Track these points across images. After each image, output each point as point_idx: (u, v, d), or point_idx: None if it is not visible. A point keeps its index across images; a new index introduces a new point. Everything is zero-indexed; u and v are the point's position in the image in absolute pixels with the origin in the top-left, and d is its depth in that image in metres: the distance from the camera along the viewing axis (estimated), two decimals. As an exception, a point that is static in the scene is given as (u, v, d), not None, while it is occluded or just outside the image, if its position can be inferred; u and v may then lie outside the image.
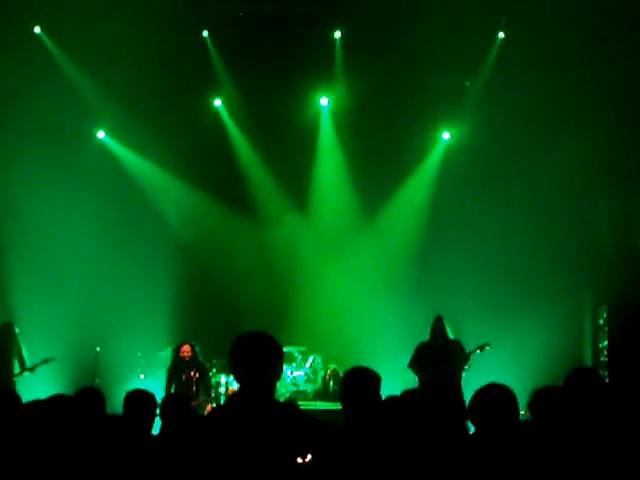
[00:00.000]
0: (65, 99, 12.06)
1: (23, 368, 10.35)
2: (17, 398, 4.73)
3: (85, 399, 4.83)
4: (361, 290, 12.77)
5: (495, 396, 3.74)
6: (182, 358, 10.17)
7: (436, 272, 12.50)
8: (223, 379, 11.86)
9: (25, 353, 10.44)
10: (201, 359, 10.33)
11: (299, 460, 3.47)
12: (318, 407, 11.40)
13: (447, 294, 11.73)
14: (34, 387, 9.60)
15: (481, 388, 3.81)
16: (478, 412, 3.71)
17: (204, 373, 10.24)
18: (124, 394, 4.90)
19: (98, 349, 11.10)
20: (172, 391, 9.95)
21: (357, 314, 12.54)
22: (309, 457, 3.59)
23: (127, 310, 12.07)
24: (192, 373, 10.02)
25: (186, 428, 4.46)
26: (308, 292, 12.94)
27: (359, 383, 4.02)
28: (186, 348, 10.20)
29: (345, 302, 12.73)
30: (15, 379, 10.27)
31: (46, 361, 10.37)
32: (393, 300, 12.35)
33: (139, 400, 4.85)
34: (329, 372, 12.32)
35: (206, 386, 10.28)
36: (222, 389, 11.77)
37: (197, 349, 10.30)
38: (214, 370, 11.91)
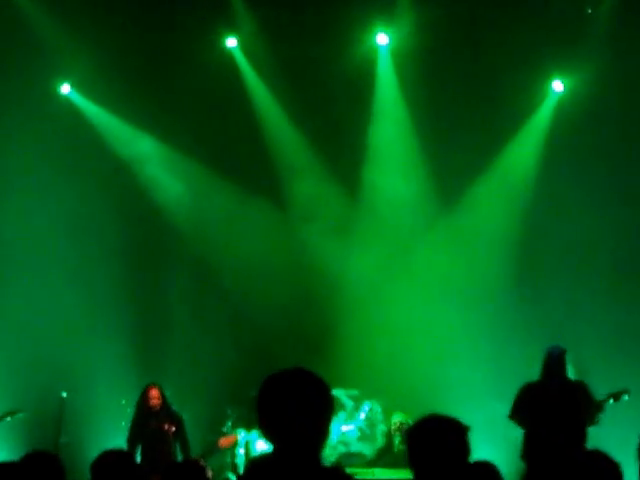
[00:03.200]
0: (21, 44, 12.46)
1: None
2: None
3: (34, 469, 4.78)
4: (435, 310, 12.64)
5: None
6: (149, 407, 10.21)
7: (544, 284, 12.59)
8: (242, 436, 11.90)
9: None
10: (174, 406, 10.47)
11: None
12: (378, 477, 11.38)
13: (562, 315, 11.86)
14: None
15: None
16: None
17: (181, 424, 10.31)
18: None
19: (64, 394, 11.15)
20: (138, 455, 10.06)
21: (430, 343, 12.51)
22: None
23: (106, 341, 12.29)
24: (166, 426, 10.09)
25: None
26: (360, 313, 12.81)
27: (437, 440, 4.01)
28: (154, 393, 10.23)
29: (412, 327, 12.61)
30: None
31: (12, 413, 10.64)
32: (481, 324, 12.34)
33: (113, 468, 4.79)
34: (394, 425, 12.18)
35: (184, 443, 10.31)
36: (241, 450, 11.81)
37: (166, 393, 10.44)
38: (229, 424, 12.12)
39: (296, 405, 3.36)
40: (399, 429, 12.18)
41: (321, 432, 3.40)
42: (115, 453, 4.93)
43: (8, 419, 10.54)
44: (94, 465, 4.81)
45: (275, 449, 3.38)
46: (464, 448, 4.02)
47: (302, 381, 3.42)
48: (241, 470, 11.94)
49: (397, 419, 12.27)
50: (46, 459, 4.94)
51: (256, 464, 3.51)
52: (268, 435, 3.38)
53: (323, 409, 3.41)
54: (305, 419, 3.36)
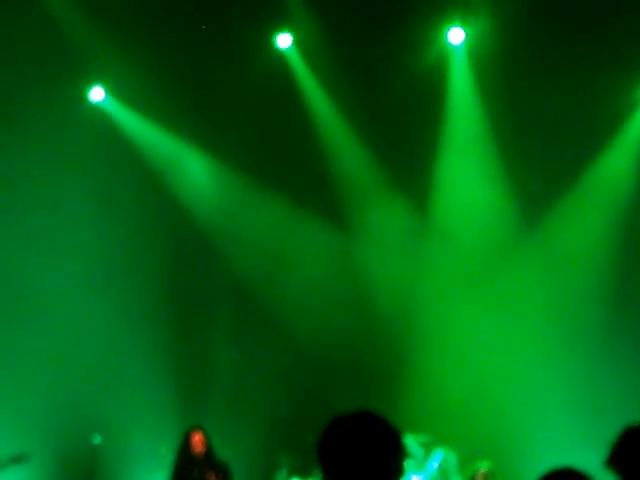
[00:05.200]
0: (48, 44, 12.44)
1: None
2: None
3: None
4: (518, 343, 12.66)
5: None
6: (192, 455, 10.23)
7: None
8: None
9: None
10: (219, 455, 10.48)
11: None
12: None
13: None
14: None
15: None
16: None
17: (228, 475, 10.31)
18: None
19: (97, 441, 11.17)
20: None
21: (513, 381, 12.45)
22: None
23: (145, 382, 12.37)
24: (211, 477, 10.17)
25: None
26: (431, 348, 12.90)
27: None
28: (198, 439, 10.35)
29: (493, 363, 12.63)
30: None
31: (17, 460, 10.54)
32: (574, 359, 12.26)
33: None
34: (479, 475, 11.65)
35: None
36: None
37: (211, 440, 10.46)
38: (283, 474, 11.97)
39: (363, 452, 3.37)
40: (484, 477, 11.71)
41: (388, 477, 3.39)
42: None
43: (13, 465, 10.45)
44: None
45: None
46: None
47: (368, 425, 3.44)
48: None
49: (482, 467, 11.74)
50: None
51: None
52: None
53: (393, 456, 3.41)
54: (373, 467, 3.36)
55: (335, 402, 12.16)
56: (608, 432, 9.10)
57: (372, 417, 3.46)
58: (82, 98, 13.36)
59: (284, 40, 13.44)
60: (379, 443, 3.42)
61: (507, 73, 12.77)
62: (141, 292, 12.74)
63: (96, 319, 12.55)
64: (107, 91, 13.46)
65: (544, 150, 12.72)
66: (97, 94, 13.40)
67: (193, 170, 13.73)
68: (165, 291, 13.01)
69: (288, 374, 12.90)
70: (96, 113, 13.40)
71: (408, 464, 12.20)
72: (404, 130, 13.05)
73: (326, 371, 12.82)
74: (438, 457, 12.33)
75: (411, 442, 12.15)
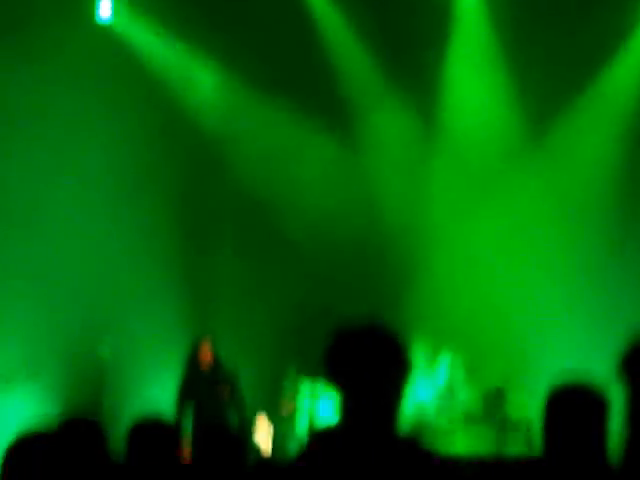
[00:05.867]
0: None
1: None
2: None
3: (73, 439, 4.66)
4: (527, 253, 12.78)
5: None
6: (200, 366, 10.33)
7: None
8: (305, 402, 11.94)
9: None
10: (227, 365, 10.53)
11: None
12: (459, 449, 11.16)
13: None
14: (8, 413, 10.36)
15: None
16: None
17: (235, 385, 10.35)
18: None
19: (107, 353, 11.29)
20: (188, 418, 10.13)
21: (522, 291, 12.54)
22: None
23: (152, 295, 12.43)
24: (219, 387, 10.26)
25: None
26: (439, 259, 12.97)
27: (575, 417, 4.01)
28: (206, 350, 10.40)
29: (501, 274, 12.71)
30: None
31: (30, 372, 10.88)
32: (585, 269, 12.35)
33: (149, 439, 4.80)
34: (490, 395, 11.73)
35: (240, 406, 10.41)
36: (302, 419, 11.82)
37: (219, 351, 10.50)
38: (289, 384, 12.00)
39: (369, 364, 3.40)
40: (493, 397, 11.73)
41: (395, 396, 3.44)
42: (154, 423, 4.92)
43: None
44: (130, 436, 4.84)
45: (343, 418, 3.43)
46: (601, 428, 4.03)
47: (375, 339, 3.45)
48: (301, 441, 12.01)
49: (490, 385, 11.87)
50: (86, 427, 4.94)
51: (321, 435, 3.57)
52: (340, 401, 3.42)
53: (398, 368, 3.45)
54: (378, 379, 3.40)
55: (342, 314, 12.33)
56: (617, 339, 9.28)
57: (379, 330, 3.49)
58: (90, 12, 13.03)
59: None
60: (385, 355, 3.44)
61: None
62: (151, 207, 12.71)
63: (106, 232, 12.52)
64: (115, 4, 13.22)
65: (552, 57, 12.61)
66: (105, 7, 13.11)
67: (203, 85, 13.67)
68: (175, 206, 13.00)
69: (295, 286, 12.95)
70: (105, 27, 13.16)
71: (414, 375, 12.30)
72: (411, 35, 12.93)
73: (333, 283, 12.81)
74: (445, 368, 12.41)
75: (418, 350, 12.19)
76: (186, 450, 9.69)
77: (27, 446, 4.33)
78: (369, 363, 3.41)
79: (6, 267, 11.97)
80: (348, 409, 3.42)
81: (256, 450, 11.02)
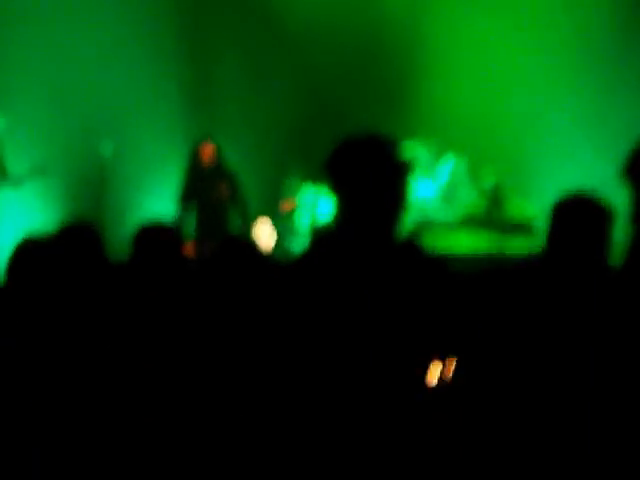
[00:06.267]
0: None
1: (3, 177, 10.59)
2: None
3: (70, 244, 4.85)
4: (533, 49, 12.42)
5: None
6: (202, 167, 10.26)
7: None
8: (306, 198, 12.04)
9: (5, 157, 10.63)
10: (228, 166, 10.48)
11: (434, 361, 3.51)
12: (460, 244, 11.19)
13: None
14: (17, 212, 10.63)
15: None
16: None
17: (238, 185, 10.37)
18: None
19: (108, 153, 11.12)
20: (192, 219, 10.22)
21: (523, 92, 12.39)
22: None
23: (153, 94, 12.26)
24: (220, 188, 10.21)
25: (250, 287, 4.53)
26: (440, 54, 12.67)
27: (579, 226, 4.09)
28: (208, 151, 10.31)
29: (502, 71, 12.49)
30: None
31: (36, 171, 10.60)
32: (589, 67, 12.10)
33: (156, 243, 4.82)
34: (488, 191, 11.67)
35: (242, 206, 10.43)
36: (304, 216, 11.95)
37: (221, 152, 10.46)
38: (291, 183, 12.05)
39: (371, 171, 3.45)
40: (491, 190, 11.74)
41: (394, 201, 3.50)
42: (158, 226, 4.96)
43: (34, 176, 10.67)
44: (135, 240, 4.85)
45: (343, 221, 3.50)
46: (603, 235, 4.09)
47: (377, 145, 3.51)
48: (303, 238, 12.10)
49: (490, 181, 11.84)
50: (84, 232, 5.03)
51: (322, 234, 3.64)
52: (340, 206, 3.49)
53: (399, 175, 3.51)
54: (381, 184, 3.45)
55: (345, 113, 12.13)
56: (620, 146, 9.32)
57: (380, 138, 3.53)
58: None
59: None
60: (387, 163, 3.49)
61: None
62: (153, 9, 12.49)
63: (111, 36, 12.36)
64: None
65: None
66: None
67: None
68: (177, 6, 12.81)
69: (298, 85, 12.82)
70: None
71: (416, 173, 12.16)
72: None
73: (335, 83, 12.66)
74: (448, 165, 12.51)
75: (420, 149, 12.29)
76: (189, 246, 9.86)
77: (28, 252, 4.55)
78: (369, 169, 3.44)
79: (12, 67, 11.86)
80: (348, 212, 3.46)
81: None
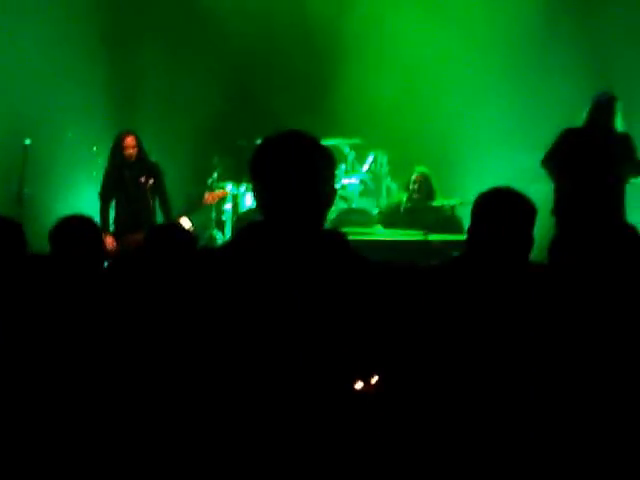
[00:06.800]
0: None
1: None
2: None
3: None
4: (451, 46, 12.42)
5: None
6: (124, 158, 10.14)
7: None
8: (229, 189, 12.17)
9: None
10: (151, 157, 10.38)
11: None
12: (381, 236, 10.94)
13: (616, 47, 11.69)
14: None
15: None
16: None
17: (159, 177, 10.25)
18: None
19: (28, 142, 10.89)
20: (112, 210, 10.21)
21: (445, 86, 12.46)
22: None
23: (74, 82, 12.11)
24: (142, 179, 10.06)
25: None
26: (364, 48, 12.57)
27: (504, 219, 4.11)
28: (130, 141, 10.16)
29: (424, 67, 12.50)
30: None
31: None
32: (509, 61, 12.17)
33: (75, 235, 4.91)
34: (416, 178, 11.36)
35: (164, 198, 10.33)
36: (228, 206, 12.27)
37: (143, 143, 10.33)
38: (214, 176, 12.31)
39: (294, 166, 3.42)
40: (418, 182, 11.35)
41: (319, 194, 3.46)
42: (77, 219, 5.00)
43: None
44: (54, 233, 4.90)
45: (267, 214, 3.47)
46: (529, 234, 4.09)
47: (299, 141, 3.48)
48: (228, 227, 12.13)
49: (419, 170, 11.44)
50: (6, 227, 5.00)
51: (247, 224, 3.57)
52: (264, 202, 3.46)
53: (323, 169, 3.48)
54: (304, 183, 3.42)
55: (267, 107, 12.18)
56: (542, 139, 9.41)
57: (302, 134, 3.51)
58: None
59: None
60: (310, 158, 3.47)
61: None
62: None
63: (29, 27, 12.19)
64: None
65: None
66: None
67: None
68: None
69: (219, 79, 12.74)
70: None
71: (339, 167, 12.41)
72: None
73: (258, 77, 12.77)
74: (369, 160, 12.66)
75: (341, 145, 12.49)
76: (108, 239, 9.80)
77: None
78: (295, 164, 3.42)
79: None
80: (270, 207, 3.45)
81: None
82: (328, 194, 3.49)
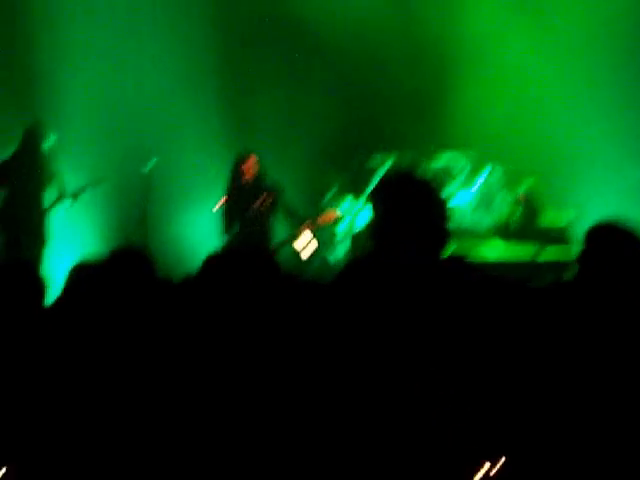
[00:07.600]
0: None
1: (61, 196, 10.76)
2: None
3: (122, 269, 4.77)
4: (567, 59, 12.35)
5: None
6: (244, 181, 10.32)
7: None
8: (346, 206, 11.96)
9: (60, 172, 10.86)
10: (269, 179, 10.47)
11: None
12: (494, 254, 11.04)
13: None
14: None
15: None
16: None
17: (279, 195, 10.36)
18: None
19: (148, 168, 11.14)
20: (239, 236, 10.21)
21: (563, 99, 12.21)
22: None
23: (192, 107, 12.25)
24: (263, 201, 10.24)
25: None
26: (475, 64, 12.57)
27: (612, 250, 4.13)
28: (250, 163, 10.34)
29: (542, 83, 12.53)
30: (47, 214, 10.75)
31: (94, 184, 10.94)
32: (623, 79, 12.07)
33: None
34: (521, 197, 11.51)
35: (290, 215, 10.51)
36: (342, 227, 11.86)
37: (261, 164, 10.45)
38: (329, 195, 11.95)
39: (408, 204, 3.54)
40: (526, 198, 11.56)
41: (431, 228, 3.58)
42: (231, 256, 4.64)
43: (89, 188, 10.82)
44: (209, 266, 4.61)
45: (383, 240, 3.56)
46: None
47: (419, 181, 3.64)
48: (341, 247, 12.03)
49: (525, 187, 11.66)
50: (135, 257, 4.95)
51: (360, 260, 3.72)
52: (383, 231, 3.56)
53: (433, 207, 3.61)
54: (422, 208, 3.56)
55: (384, 123, 12.30)
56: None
57: (418, 177, 3.68)
58: None
59: None
60: (427, 196, 3.60)
61: None
62: (190, 23, 12.59)
63: (147, 49, 12.47)
64: None
65: None
66: None
67: None
68: (216, 22, 12.79)
69: (338, 96, 12.83)
70: None
71: (453, 183, 12.19)
72: None
73: (374, 93, 12.72)
74: (484, 174, 12.35)
75: (456, 157, 12.31)
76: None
77: (81, 274, 4.72)
78: (408, 200, 3.55)
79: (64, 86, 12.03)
80: (390, 237, 3.55)
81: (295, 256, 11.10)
82: (440, 228, 3.62)
